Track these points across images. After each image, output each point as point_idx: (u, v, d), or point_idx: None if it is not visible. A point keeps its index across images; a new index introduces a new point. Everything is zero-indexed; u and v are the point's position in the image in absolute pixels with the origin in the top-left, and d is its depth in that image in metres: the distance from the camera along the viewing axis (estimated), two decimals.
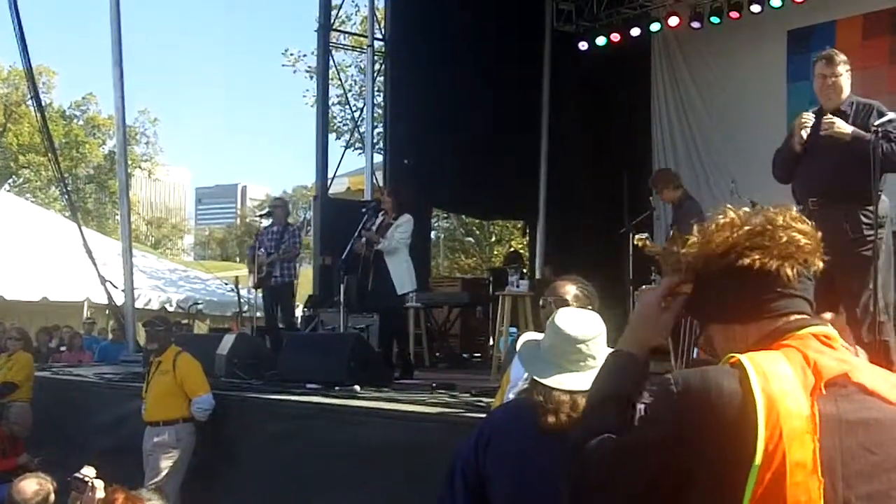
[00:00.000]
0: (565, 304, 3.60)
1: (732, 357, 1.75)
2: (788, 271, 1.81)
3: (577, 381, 2.77)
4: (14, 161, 41.80)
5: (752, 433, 1.64)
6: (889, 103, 5.89)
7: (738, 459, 1.64)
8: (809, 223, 1.89)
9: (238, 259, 57.64)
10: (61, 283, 16.73)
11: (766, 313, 1.83)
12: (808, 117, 5.80)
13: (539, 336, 3.01)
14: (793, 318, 1.82)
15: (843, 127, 5.59)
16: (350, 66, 25.47)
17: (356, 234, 9.33)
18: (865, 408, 1.71)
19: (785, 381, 1.69)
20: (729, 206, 1.94)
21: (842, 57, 5.83)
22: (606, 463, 1.80)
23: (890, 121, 5.52)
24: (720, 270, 1.86)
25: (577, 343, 2.81)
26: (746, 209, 1.91)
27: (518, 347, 3.07)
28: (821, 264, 1.87)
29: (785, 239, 1.83)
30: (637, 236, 8.24)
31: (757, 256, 1.82)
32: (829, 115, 5.66)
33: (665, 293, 1.95)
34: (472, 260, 32.26)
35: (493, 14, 13.69)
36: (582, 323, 2.86)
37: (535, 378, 2.84)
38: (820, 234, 1.88)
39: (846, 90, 5.81)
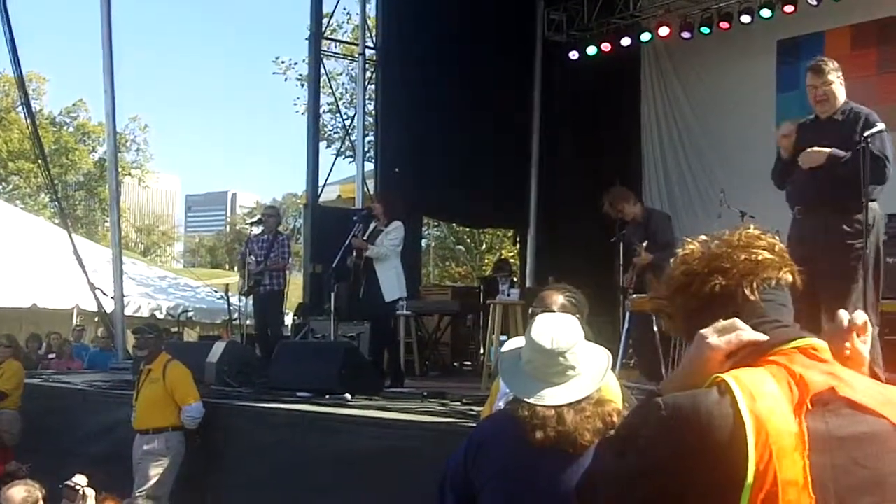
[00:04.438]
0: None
1: (718, 377, 1.73)
2: (747, 290, 1.81)
3: (559, 394, 2.75)
4: (3, 167, 41.68)
5: (742, 454, 1.63)
6: (878, 113, 5.90)
7: (730, 481, 1.63)
8: (774, 238, 1.89)
9: (228, 266, 57.49)
10: (51, 289, 16.65)
11: None
12: (786, 128, 5.85)
13: (521, 342, 2.97)
14: (772, 333, 1.80)
15: (817, 156, 5.62)
16: (341, 74, 25.49)
17: (346, 243, 9.32)
18: (855, 422, 1.70)
19: (771, 399, 1.68)
20: (688, 237, 1.95)
21: (832, 65, 5.81)
22: (602, 496, 1.80)
23: (878, 132, 5.55)
24: (689, 301, 1.87)
25: (555, 356, 2.78)
26: (704, 237, 1.92)
27: (500, 358, 3.05)
28: (790, 277, 1.87)
29: (744, 257, 1.83)
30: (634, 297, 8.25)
31: (717, 280, 1.83)
32: (802, 153, 5.69)
33: (731, 346, 1.82)
34: (463, 268, 32.23)
35: (485, 24, 13.71)
36: (558, 333, 2.82)
37: (518, 396, 2.83)
38: (798, 246, 1.88)
39: (840, 97, 5.80)
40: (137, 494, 7.45)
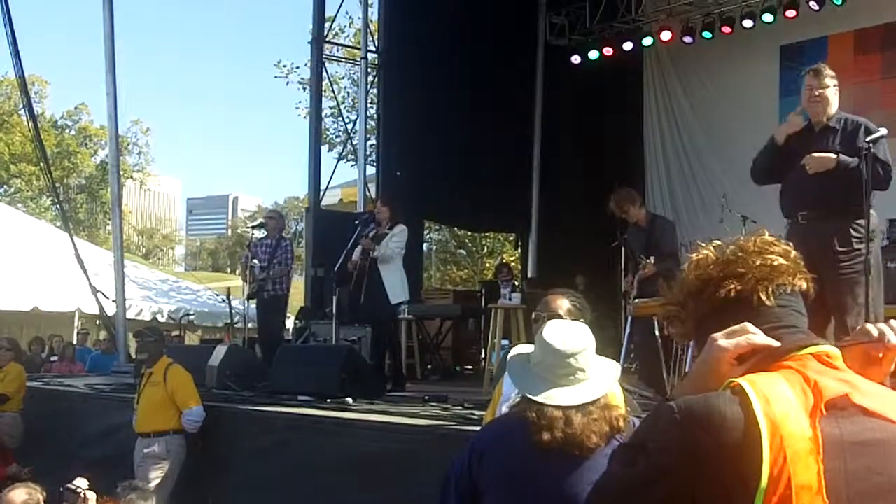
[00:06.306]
0: (558, 318, 3.59)
1: (732, 381, 1.72)
2: (762, 295, 1.81)
3: (568, 395, 2.76)
4: (5, 170, 41.74)
5: (756, 458, 1.62)
6: (882, 118, 5.92)
7: (744, 485, 1.62)
8: (787, 244, 1.89)
9: (229, 270, 57.60)
10: (52, 293, 16.68)
11: None
12: (797, 120, 5.81)
13: (529, 348, 2.99)
14: (785, 338, 1.79)
15: (825, 161, 5.61)
16: (343, 77, 25.55)
17: (349, 246, 9.31)
18: (869, 429, 1.70)
19: (786, 404, 1.67)
20: (701, 242, 1.94)
21: (829, 72, 5.86)
22: (613, 498, 1.79)
23: (880, 138, 5.55)
24: (702, 306, 1.86)
25: (566, 357, 2.79)
26: (718, 242, 1.91)
27: (508, 361, 3.06)
28: (804, 285, 1.86)
29: (759, 262, 1.83)
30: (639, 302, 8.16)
31: (733, 285, 1.82)
32: (809, 156, 5.66)
33: (741, 349, 1.80)
34: (464, 272, 32.27)
35: (486, 28, 13.73)
36: (570, 336, 2.85)
37: (527, 395, 2.83)
38: (799, 253, 1.87)
39: (834, 104, 5.82)
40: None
